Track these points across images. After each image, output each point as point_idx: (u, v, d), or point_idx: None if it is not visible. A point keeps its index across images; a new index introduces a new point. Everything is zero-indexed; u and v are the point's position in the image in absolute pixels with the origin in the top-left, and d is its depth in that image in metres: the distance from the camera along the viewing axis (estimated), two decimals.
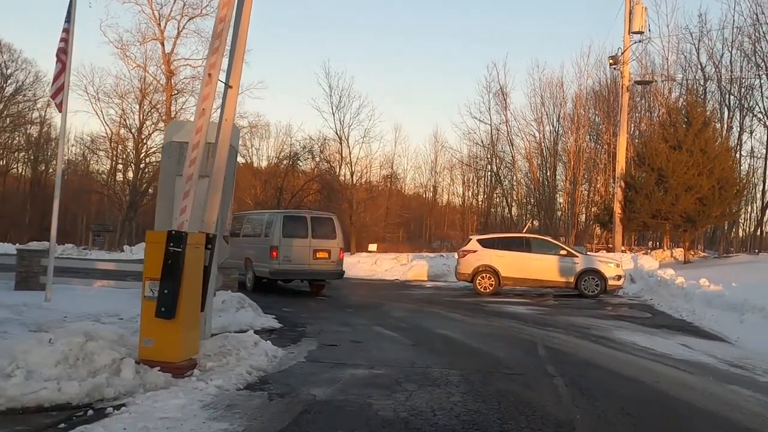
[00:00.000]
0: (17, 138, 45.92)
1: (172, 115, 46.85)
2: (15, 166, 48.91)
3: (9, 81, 42.43)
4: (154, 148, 46.27)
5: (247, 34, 6.36)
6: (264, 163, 50.48)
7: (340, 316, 11.13)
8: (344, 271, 15.68)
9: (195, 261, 5.98)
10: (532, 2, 69.66)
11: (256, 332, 8.60)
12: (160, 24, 45.33)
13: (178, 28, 45.80)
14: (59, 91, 10.24)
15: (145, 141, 45.02)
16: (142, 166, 45.50)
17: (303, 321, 10.14)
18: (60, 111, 10.48)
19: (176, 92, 47.14)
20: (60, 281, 10.89)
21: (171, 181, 6.80)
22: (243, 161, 50.39)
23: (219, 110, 6.42)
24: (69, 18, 10.61)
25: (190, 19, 45.76)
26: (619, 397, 5.68)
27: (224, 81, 6.20)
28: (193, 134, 5.73)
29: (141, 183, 44.60)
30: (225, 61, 6.35)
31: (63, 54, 10.50)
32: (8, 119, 43.04)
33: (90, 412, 4.63)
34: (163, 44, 45.80)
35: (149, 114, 45.51)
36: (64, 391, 4.84)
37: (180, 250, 5.68)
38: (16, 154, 47.67)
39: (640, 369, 7.09)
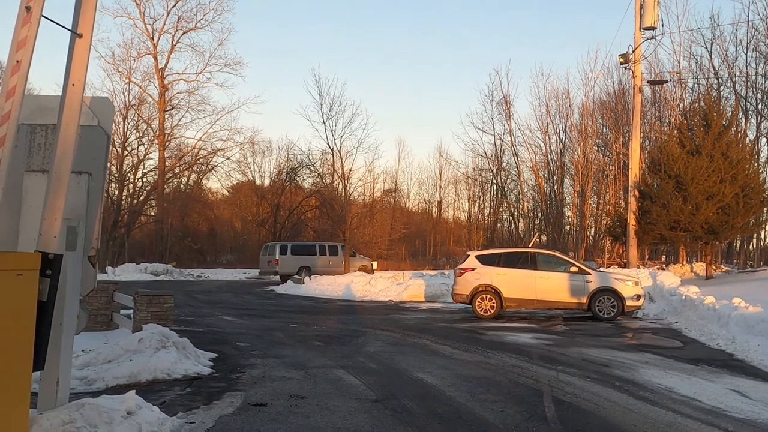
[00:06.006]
0: None
1: (167, 131, 45.22)
2: None
3: None
4: (151, 167, 44.85)
5: None
6: (267, 181, 49.29)
7: (301, 352, 9.03)
8: (277, 271, 29.01)
9: (15, 295, 3.95)
10: (535, 5, 68.07)
11: (174, 381, 6.63)
12: (153, 38, 43.86)
13: (172, 43, 44.35)
14: None
15: (142, 159, 43.66)
16: (139, 184, 44.13)
17: (248, 362, 8.06)
18: None
19: (170, 107, 45.46)
20: None
21: (18, 179, 4.79)
22: (245, 179, 48.99)
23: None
24: None
25: (184, 33, 44.29)
26: None
27: (70, 28, 4.17)
28: (2, 99, 3.72)
29: (133, 201, 42.90)
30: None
31: None
32: None
33: None
34: (156, 59, 44.28)
35: (146, 131, 44.07)
36: None
37: None
38: None
39: None
